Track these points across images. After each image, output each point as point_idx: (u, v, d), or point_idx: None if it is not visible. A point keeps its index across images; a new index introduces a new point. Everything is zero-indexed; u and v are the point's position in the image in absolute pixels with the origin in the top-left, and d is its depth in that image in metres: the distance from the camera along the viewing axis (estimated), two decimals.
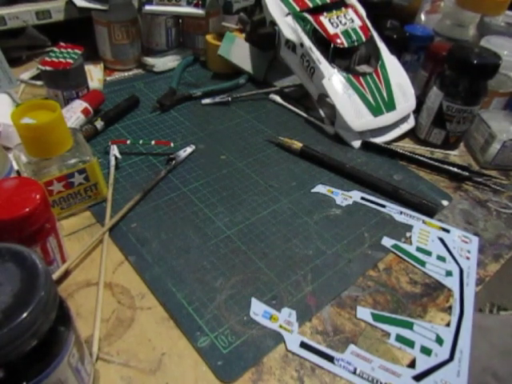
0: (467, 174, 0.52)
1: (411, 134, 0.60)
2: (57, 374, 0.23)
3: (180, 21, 0.71)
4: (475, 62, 0.50)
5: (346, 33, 0.58)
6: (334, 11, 0.59)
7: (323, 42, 0.57)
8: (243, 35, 0.68)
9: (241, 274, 0.38)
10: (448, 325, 0.36)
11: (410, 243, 0.43)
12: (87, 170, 0.40)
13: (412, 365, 0.33)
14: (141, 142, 0.51)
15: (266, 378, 0.31)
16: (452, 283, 0.39)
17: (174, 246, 0.40)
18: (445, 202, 0.49)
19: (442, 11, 0.69)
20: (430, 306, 0.37)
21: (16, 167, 0.39)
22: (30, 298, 0.21)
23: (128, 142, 0.51)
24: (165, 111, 0.59)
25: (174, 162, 0.49)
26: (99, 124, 0.53)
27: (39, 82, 0.60)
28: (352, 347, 0.33)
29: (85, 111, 0.53)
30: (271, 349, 0.33)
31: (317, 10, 0.59)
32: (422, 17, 0.72)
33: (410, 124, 0.59)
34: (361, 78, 0.56)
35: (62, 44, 0.56)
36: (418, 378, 0.32)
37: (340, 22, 0.58)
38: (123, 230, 0.41)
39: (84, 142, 0.41)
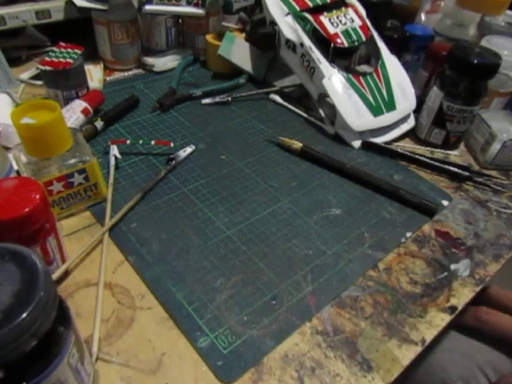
0: (467, 174, 0.52)
1: (411, 134, 0.60)
2: (57, 374, 0.23)
3: (180, 21, 0.71)
4: (475, 61, 0.50)
5: (346, 32, 0.58)
6: (334, 11, 0.59)
7: (323, 41, 0.57)
8: (243, 35, 0.68)
9: (241, 273, 0.38)
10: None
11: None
12: (87, 170, 0.40)
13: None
14: (141, 141, 0.51)
15: (266, 378, 0.31)
16: None
17: (174, 245, 0.40)
18: (445, 202, 0.49)
19: (442, 11, 0.69)
20: (430, 306, 0.37)
21: (16, 167, 0.39)
22: (30, 298, 0.21)
23: (128, 141, 0.51)
24: (165, 111, 0.59)
25: (173, 162, 0.49)
26: (99, 124, 0.53)
27: (39, 82, 0.60)
28: None
29: (85, 111, 0.53)
30: (271, 349, 0.33)
31: (317, 10, 0.59)
32: (422, 17, 0.72)
33: (410, 124, 0.59)
34: (361, 78, 0.56)
35: (61, 44, 0.55)
36: None
37: (340, 21, 0.58)
38: (123, 230, 0.41)
39: (84, 142, 0.41)
